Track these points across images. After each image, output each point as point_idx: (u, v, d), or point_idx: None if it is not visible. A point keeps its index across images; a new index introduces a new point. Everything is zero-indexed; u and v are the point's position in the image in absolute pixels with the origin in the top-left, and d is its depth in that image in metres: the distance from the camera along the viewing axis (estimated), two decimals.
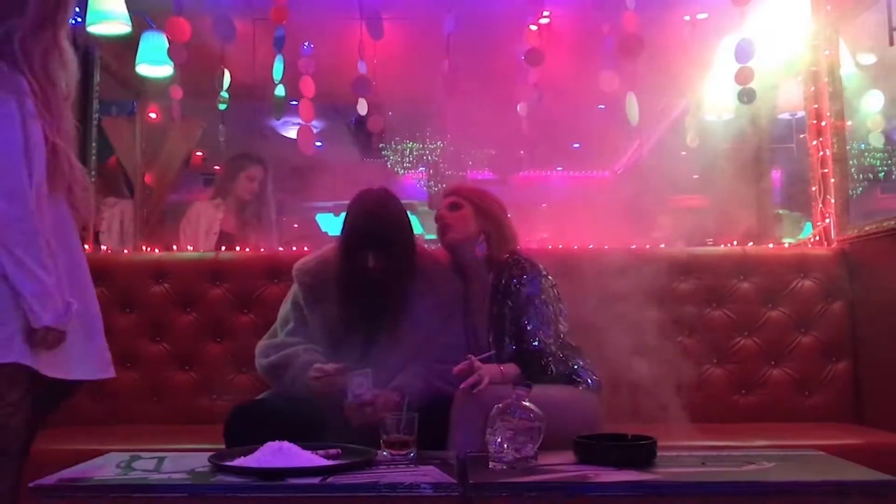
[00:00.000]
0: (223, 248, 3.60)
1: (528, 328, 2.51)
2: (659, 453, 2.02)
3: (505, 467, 1.96)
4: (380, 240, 2.51)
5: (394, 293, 2.54)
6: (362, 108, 3.68)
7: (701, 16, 3.96)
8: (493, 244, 2.65)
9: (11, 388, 2.04)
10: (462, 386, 2.32)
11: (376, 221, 2.54)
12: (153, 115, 4.80)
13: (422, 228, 6.87)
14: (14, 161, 2.02)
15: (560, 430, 2.09)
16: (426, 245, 2.98)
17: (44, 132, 2.08)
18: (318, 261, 2.68)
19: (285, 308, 2.69)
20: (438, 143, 6.55)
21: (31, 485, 1.82)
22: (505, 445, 1.99)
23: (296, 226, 6.83)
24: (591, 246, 3.40)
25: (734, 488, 1.79)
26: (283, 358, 2.55)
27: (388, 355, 2.54)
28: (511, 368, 2.45)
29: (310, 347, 2.56)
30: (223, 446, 2.32)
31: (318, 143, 5.56)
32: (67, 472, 1.93)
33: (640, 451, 2.00)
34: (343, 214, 2.66)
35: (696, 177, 5.02)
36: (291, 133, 4.34)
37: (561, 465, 1.97)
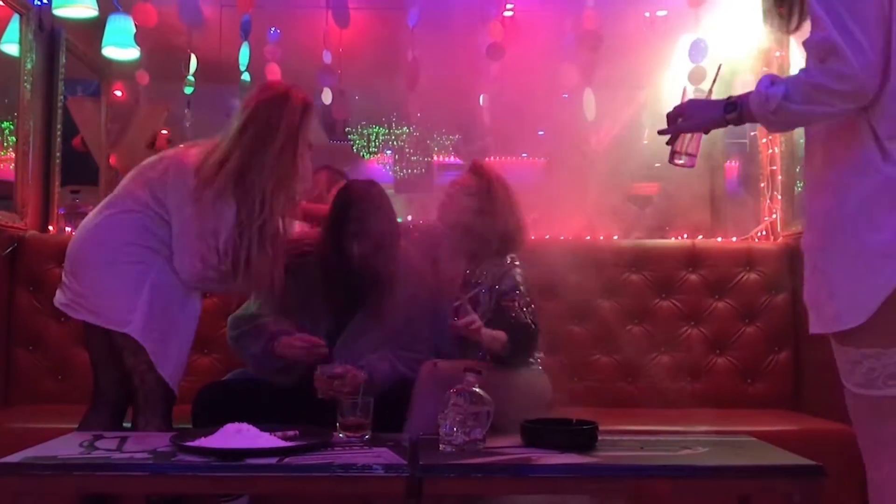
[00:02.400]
0: None
1: (518, 308, 2.58)
2: (601, 437, 2.13)
3: (454, 450, 2.05)
4: (362, 225, 2.59)
5: (372, 282, 2.62)
6: (327, 97, 3.73)
7: (660, 13, 4.07)
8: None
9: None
10: (460, 323, 2.42)
11: (366, 212, 2.62)
12: (118, 94, 4.79)
13: None
14: None
15: (521, 410, 2.22)
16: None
17: None
18: (299, 235, 2.75)
19: None
20: (404, 128, 6.61)
21: None
22: (455, 429, 2.08)
23: None
24: (547, 236, 3.50)
25: (666, 471, 1.91)
26: (253, 328, 2.61)
27: (357, 339, 2.63)
28: (500, 334, 2.51)
29: (279, 319, 2.61)
30: (183, 426, 2.40)
31: None
32: (31, 451, 1.98)
33: (581, 436, 2.11)
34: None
35: (657, 165, 5.15)
36: None
37: (507, 448, 2.07)
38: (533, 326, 2.57)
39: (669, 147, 1.99)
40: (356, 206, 2.62)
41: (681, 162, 2.01)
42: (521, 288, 2.63)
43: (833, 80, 1.55)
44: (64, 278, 2.48)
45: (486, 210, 2.71)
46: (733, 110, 1.75)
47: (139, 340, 2.36)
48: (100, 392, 2.55)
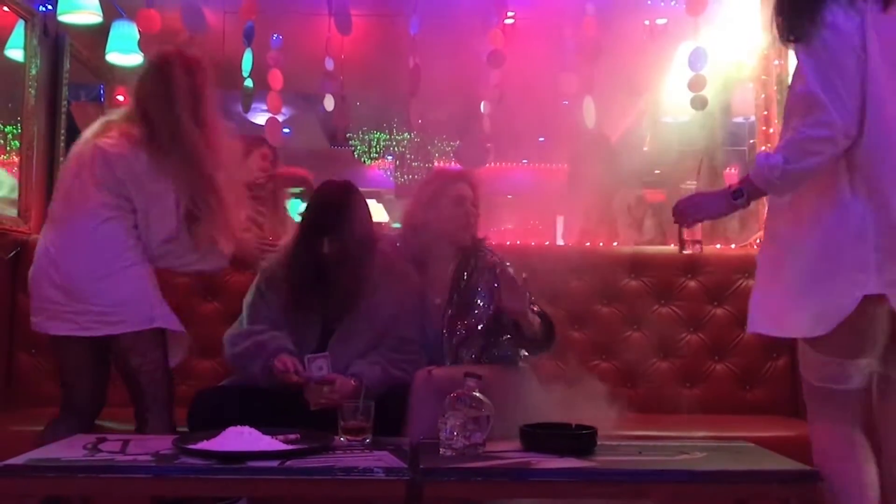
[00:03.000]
0: None
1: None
2: (600, 442, 2.15)
3: (454, 454, 2.07)
4: (335, 227, 2.60)
5: (348, 281, 2.62)
6: (329, 103, 3.76)
7: (660, 21, 4.10)
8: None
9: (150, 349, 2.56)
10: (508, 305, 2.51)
11: (333, 209, 2.63)
12: (121, 98, 4.81)
13: (388, 216, 6.97)
14: None
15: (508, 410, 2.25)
16: (390, 233, 3.07)
17: None
18: (278, 248, 2.78)
19: (249, 295, 2.77)
20: (405, 134, 6.65)
21: (0, 465, 1.90)
22: (455, 433, 2.10)
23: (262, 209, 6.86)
24: (546, 243, 3.53)
25: (663, 476, 1.93)
26: (251, 347, 2.60)
27: (344, 344, 2.63)
28: (535, 318, 2.58)
29: (276, 335, 2.61)
30: (187, 429, 2.42)
31: (286, 130, 5.62)
32: (36, 453, 2.01)
33: (580, 440, 2.13)
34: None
35: (657, 171, 5.19)
36: (260, 119, 4.39)
37: (507, 453, 2.09)
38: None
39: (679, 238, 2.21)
40: (331, 208, 2.63)
41: (690, 251, 2.26)
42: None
43: (817, 128, 1.82)
44: (60, 307, 2.53)
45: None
46: (741, 196, 1.96)
47: (177, 329, 2.58)
48: (72, 402, 2.62)
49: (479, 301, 2.70)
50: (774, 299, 1.99)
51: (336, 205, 2.64)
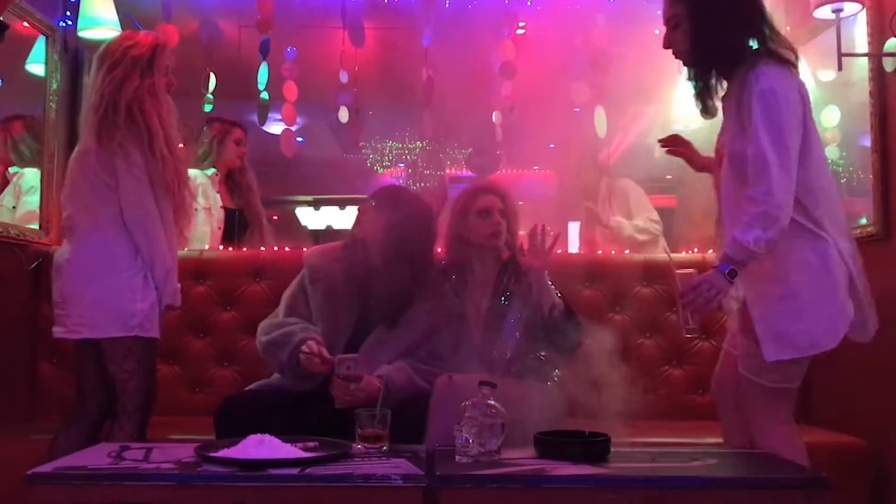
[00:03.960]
0: (206, 247, 3.72)
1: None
2: (614, 449, 2.18)
3: (470, 461, 2.10)
4: (420, 252, 2.69)
5: (399, 296, 2.70)
6: (343, 115, 3.81)
7: None
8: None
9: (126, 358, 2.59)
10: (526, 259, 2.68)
11: (421, 236, 2.72)
12: None
13: None
14: None
15: (530, 424, 2.27)
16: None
17: None
18: (328, 248, 2.85)
19: (291, 288, 2.83)
20: (418, 142, 6.68)
21: (28, 473, 1.94)
22: (470, 440, 2.13)
23: (275, 218, 6.93)
24: (559, 251, 3.55)
25: (676, 483, 1.96)
26: (281, 336, 2.67)
27: (377, 350, 2.69)
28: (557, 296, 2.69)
29: (307, 326, 2.68)
30: (204, 437, 2.46)
31: (300, 139, 5.68)
32: (62, 461, 2.06)
33: (594, 447, 2.16)
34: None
35: (668, 177, 5.20)
36: (273, 129, 4.45)
37: (521, 460, 2.12)
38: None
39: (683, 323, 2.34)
40: (419, 234, 2.70)
41: (692, 335, 2.49)
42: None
43: (765, 198, 2.10)
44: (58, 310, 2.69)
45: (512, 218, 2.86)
46: (735, 275, 2.20)
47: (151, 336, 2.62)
48: (82, 406, 2.71)
49: (515, 307, 2.74)
50: (796, 323, 2.21)
51: (423, 232, 2.73)
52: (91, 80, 2.72)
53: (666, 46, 2.44)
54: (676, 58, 2.42)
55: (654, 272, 3.46)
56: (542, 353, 2.73)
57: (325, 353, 2.56)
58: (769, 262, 2.21)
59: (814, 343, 2.20)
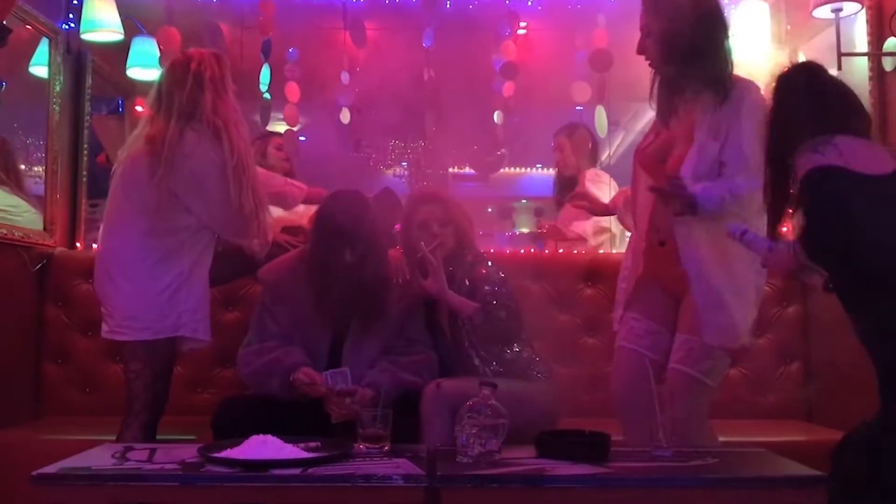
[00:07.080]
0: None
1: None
2: (614, 448, 2.19)
3: (471, 461, 2.11)
4: (356, 235, 2.65)
5: (364, 290, 2.67)
6: (345, 117, 3.82)
7: None
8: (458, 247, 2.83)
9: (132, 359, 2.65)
10: (425, 284, 2.64)
11: (353, 218, 2.67)
12: (139, 109, 4.88)
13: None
14: None
15: (526, 423, 2.27)
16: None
17: None
18: (280, 262, 2.83)
19: (256, 313, 2.83)
20: (420, 141, 6.69)
21: (33, 473, 1.95)
22: (471, 440, 2.14)
23: None
24: (560, 251, 3.56)
25: (677, 482, 1.97)
26: (264, 366, 2.66)
27: (357, 351, 2.70)
28: (470, 303, 2.65)
29: (290, 350, 2.68)
30: (209, 437, 2.48)
31: (302, 138, 5.70)
32: (67, 462, 2.07)
33: (594, 447, 2.17)
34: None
35: None
36: (276, 127, 4.45)
37: (522, 459, 2.13)
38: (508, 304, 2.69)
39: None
40: (350, 217, 2.67)
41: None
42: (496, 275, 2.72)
43: (749, 186, 2.30)
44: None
45: (456, 227, 2.84)
46: (694, 209, 2.33)
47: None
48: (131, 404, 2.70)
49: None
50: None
51: (355, 214, 2.69)
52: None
53: (639, 52, 2.53)
54: (650, 66, 2.50)
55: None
56: (517, 348, 2.74)
57: (317, 377, 2.58)
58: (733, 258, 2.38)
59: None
